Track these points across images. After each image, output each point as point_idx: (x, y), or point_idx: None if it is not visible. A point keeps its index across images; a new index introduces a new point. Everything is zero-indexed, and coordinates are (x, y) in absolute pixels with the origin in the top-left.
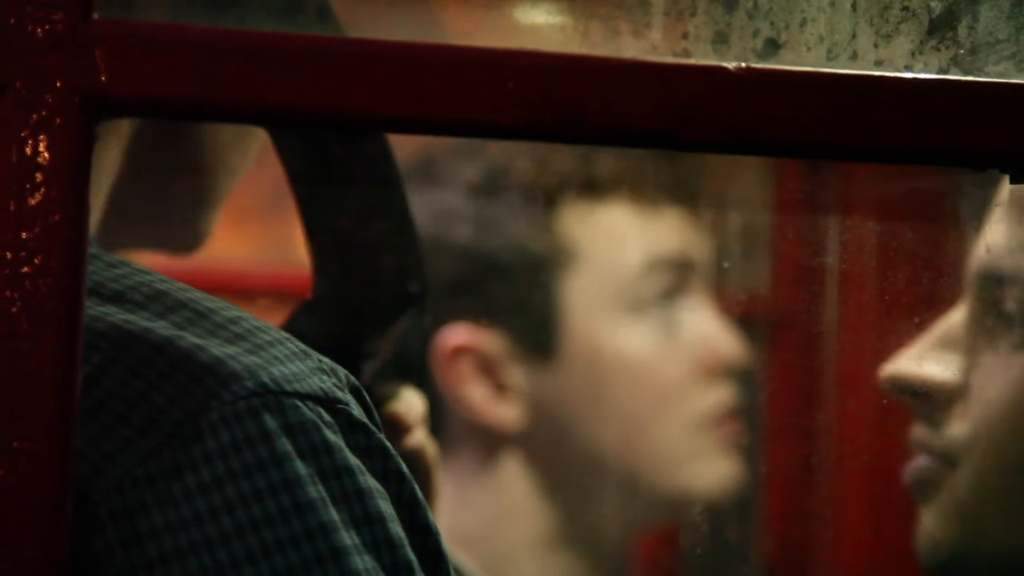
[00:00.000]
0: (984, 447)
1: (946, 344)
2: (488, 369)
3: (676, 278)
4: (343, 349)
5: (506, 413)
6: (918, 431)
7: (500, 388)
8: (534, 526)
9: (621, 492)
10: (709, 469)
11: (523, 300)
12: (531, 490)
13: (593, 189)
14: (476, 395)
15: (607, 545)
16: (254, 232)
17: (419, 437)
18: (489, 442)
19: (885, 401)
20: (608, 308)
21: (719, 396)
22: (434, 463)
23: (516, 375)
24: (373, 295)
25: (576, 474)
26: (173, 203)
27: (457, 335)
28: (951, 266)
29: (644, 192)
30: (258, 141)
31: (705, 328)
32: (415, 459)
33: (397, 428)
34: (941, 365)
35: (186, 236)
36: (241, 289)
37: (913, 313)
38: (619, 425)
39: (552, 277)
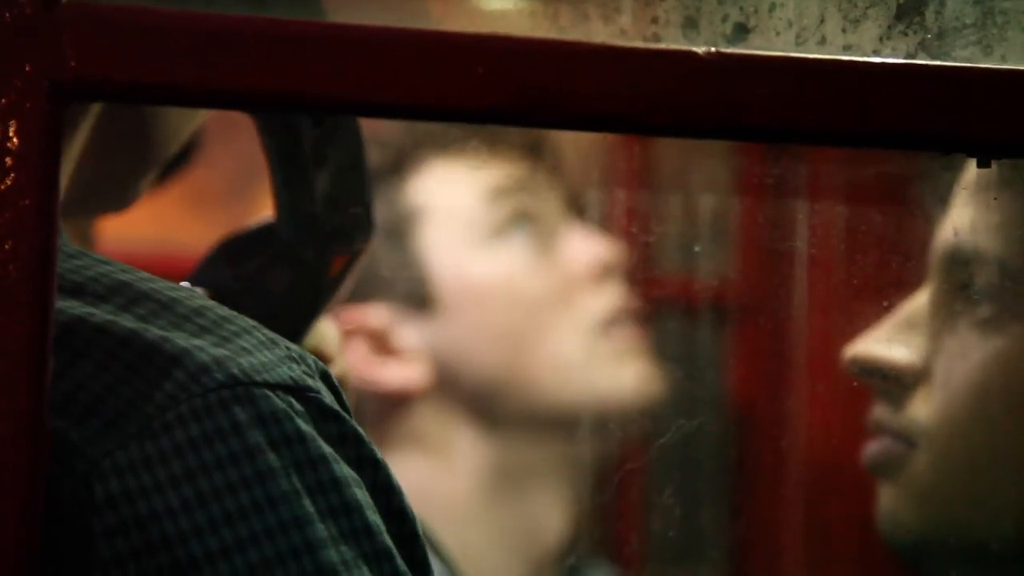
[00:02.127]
0: (947, 429)
1: (910, 326)
2: (380, 341)
3: (524, 201)
4: (297, 291)
5: (410, 375)
6: (879, 411)
7: (397, 354)
8: (481, 478)
9: (547, 421)
10: (616, 372)
11: (391, 265)
12: (465, 443)
13: (427, 148)
14: (377, 370)
15: (570, 482)
16: (214, 218)
17: (341, 366)
18: (404, 409)
19: (855, 384)
20: (465, 243)
21: (605, 300)
22: (349, 385)
23: (408, 336)
24: (336, 238)
25: (500, 412)
26: (113, 172)
27: (343, 320)
28: (916, 249)
29: (477, 138)
30: (204, 113)
31: (572, 239)
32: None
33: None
34: (905, 347)
35: (121, 201)
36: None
37: (879, 296)
38: (514, 350)
39: (410, 236)
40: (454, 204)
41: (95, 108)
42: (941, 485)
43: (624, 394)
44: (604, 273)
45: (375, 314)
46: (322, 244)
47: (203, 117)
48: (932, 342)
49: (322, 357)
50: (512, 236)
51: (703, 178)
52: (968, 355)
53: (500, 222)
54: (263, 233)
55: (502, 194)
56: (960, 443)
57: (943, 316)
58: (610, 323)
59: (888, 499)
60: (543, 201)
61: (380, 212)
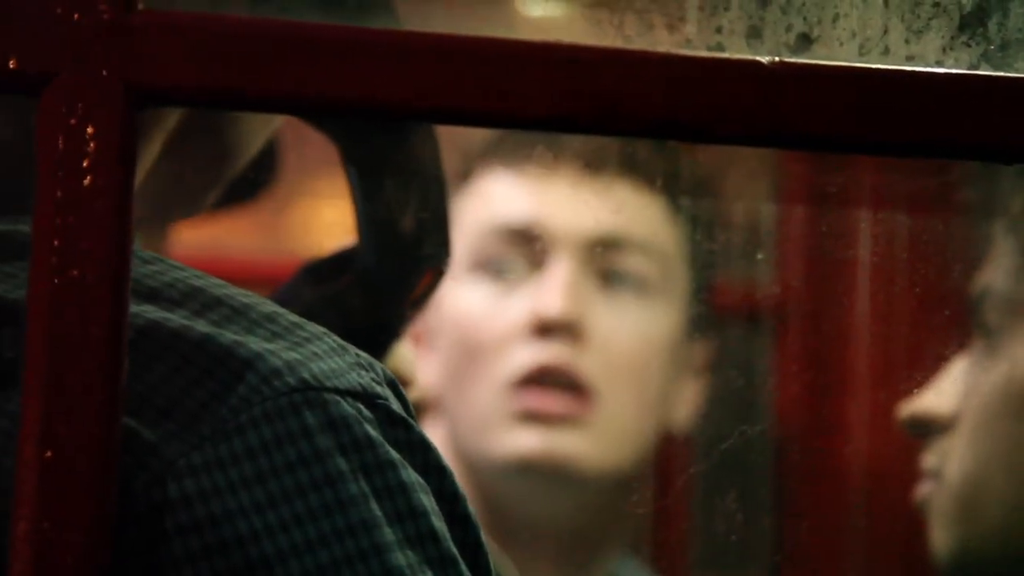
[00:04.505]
0: (971, 441)
1: (952, 376)
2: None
3: (517, 246)
4: (381, 319)
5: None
6: (931, 460)
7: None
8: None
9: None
10: (507, 437)
11: None
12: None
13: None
14: None
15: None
16: (248, 221)
17: (418, 389)
18: None
19: (907, 439)
20: (455, 266)
21: (528, 356)
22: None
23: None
24: (416, 268)
25: (461, 449)
26: (183, 181)
27: None
28: (972, 259)
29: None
30: (273, 127)
31: (536, 289)
32: (418, 409)
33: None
34: (946, 397)
35: (191, 210)
36: (237, 278)
37: (935, 307)
38: (452, 384)
39: None
40: (464, 224)
41: (167, 116)
42: (975, 497)
43: (508, 462)
44: (541, 330)
45: None
46: (405, 265)
47: (273, 128)
48: (962, 385)
49: (405, 380)
50: (497, 275)
51: (756, 186)
52: (982, 389)
53: (483, 259)
54: (345, 257)
55: (493, 234)
56: (987, 449)
57: (971, 359)
58: (523, 382)
59: (937, 536)
60: (559, 245)
61: None
